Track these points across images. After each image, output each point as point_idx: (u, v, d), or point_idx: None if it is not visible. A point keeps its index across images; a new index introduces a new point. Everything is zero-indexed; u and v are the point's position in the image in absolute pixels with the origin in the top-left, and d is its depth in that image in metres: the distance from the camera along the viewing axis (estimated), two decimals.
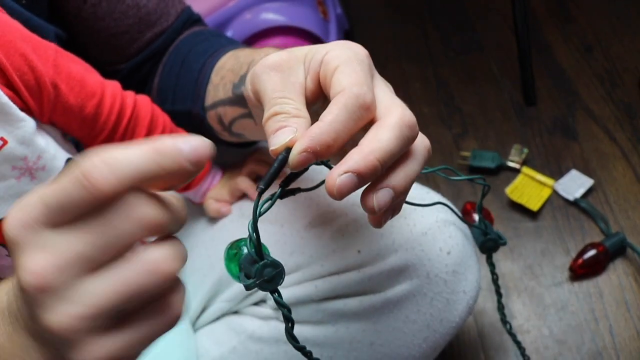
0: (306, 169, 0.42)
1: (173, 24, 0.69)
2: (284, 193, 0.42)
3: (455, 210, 0.60)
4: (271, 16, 1.17)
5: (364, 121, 0.41)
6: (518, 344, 0.72)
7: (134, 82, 0.70)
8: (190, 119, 0.66)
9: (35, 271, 0.30)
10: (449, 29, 1.42)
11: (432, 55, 1.38)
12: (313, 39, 1.21)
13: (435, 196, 0.67)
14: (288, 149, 0.41)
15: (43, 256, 0.31)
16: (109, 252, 0.31)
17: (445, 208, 0.65)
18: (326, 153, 0.40)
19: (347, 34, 1.37)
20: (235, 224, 0.69)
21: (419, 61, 1.36)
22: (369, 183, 0.42)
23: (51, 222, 0.31)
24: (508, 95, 1.27)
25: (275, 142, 0.41)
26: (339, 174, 0.39)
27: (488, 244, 0.60)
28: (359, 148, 0.40)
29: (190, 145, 0.32)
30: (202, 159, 0.32)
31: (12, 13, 0.52)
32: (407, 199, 0.47)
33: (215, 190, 0.69)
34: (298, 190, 0.44)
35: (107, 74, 0.68)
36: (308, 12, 1.21)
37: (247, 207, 0.69)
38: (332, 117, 0.40)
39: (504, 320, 0.67)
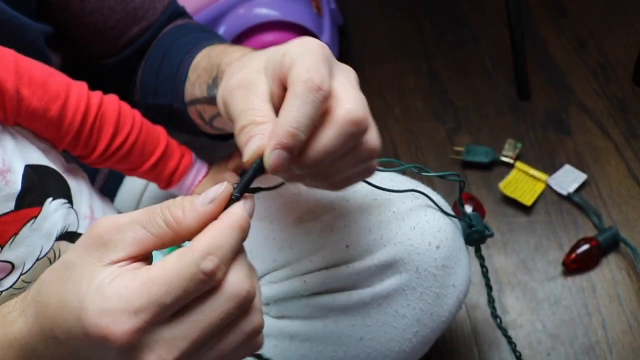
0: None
1: (159, 18, 0.69)
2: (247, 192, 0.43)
3: (433, 199, 0.62)
4: (264, 11, 1.17)
5: (319, 102, 0.42)
6: (508, 338, 0.72)
7: (120, 76, 0.70)
8: (172, 112, 0.67)
9: None
10: (443, 24, 1.42)
11: (426, 50, 1.37)
12: (307, 34, 1.20)
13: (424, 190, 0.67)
14: (261, 157, 0.42)
15: (166, 350, 0.36)
16: (216, 333, 0.37)
17: (435, 199, 0.65)
18: (295, 142, 0.41)
19: (341, 29, 1.37)
20: None
21: (413, 56, 1.36)
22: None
23: (167, 319, 0.35)
24: (502, 90, 1.27)
25: (247, 153, 0.43)
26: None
27: (473, 235, 0.60)
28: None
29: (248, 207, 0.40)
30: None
31: None
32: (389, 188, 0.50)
33: (202, 186, 0.69)
34: (259, 189, 0.44)
35: (94, 68, 0.67)
36: (302, 7, 1.21)
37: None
38: (287, 107, 0.42)
39: (495, 315, 0.67)
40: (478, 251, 0.62)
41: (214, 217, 0.39)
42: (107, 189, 0.77)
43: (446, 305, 0.64)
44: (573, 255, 0.99)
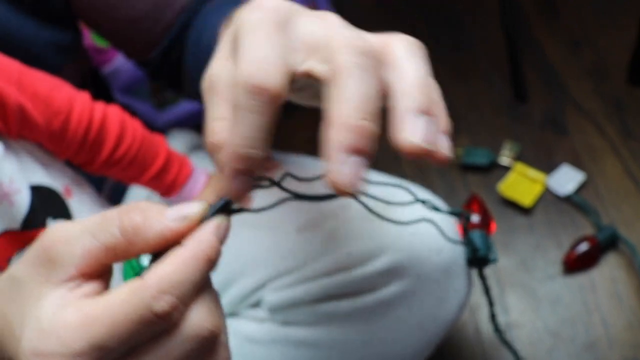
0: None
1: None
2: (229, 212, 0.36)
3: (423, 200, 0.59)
4: None
5: (268, 104, 0.34)
6: (510, 347, 0.72)
7: (167, 69, 0.66)
8: None
9: None
10: (439, 28, 1.43)
11: None
12: None
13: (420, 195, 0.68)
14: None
15: None
16: None
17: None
18: (250, 162, 0.34)
19: None
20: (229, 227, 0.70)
21: None
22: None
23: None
24: (498, 92, 1.28)
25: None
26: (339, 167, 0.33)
27: (476, 260, 0.57)
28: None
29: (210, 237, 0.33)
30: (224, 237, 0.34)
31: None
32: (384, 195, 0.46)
33: (203, 193, 0.70)
34: (240, 210, 0.37)
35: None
36: None
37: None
38: (233, 126, 0.34)
39: (498, 329, 0.67)
40: (480, 272, 0.60)
41: (180, 238, 0.33)
42: (115, 196, 0.78)
43: (448, 309, 0.65)
44: (573, 254, 1.01)
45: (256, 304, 0.68)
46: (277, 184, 0.39)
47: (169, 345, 0.32)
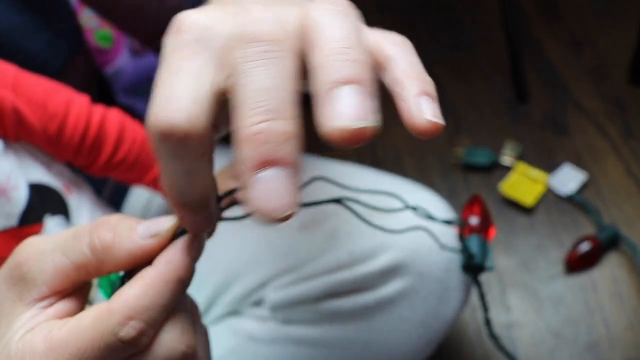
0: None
1: None
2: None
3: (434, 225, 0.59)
4: None
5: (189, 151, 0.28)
6: (507, 353, 0.72)
7: None
8: None
9: None
10: (440, 28, 1.44)
11: (423, 54, 1.38)
12: None
13: (417, 196, 0.68)
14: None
15: None
16: None
17: (437, 206, 0.67)
18: (181, 202, 0.30)
19: None
20: (231, 226, 0.70)
21: None
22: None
23: None
24: (499, 92, 1.28)
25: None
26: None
27: (471, 266, 0.56)
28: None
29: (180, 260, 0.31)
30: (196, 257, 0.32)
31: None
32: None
33: None
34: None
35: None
36: None
37: (240, 211, 0.70)
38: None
39: (493, 336, 0.67)
40: (476, 279, 0.59)
41: (151, 256, 0.31)
42: (117, 198, 0.78)
43: (450, 307, 0.65)
44: (574, 254, 1.01)
45: (258, 303, 0.68)
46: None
47: None
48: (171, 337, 0.31)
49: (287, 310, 0.65)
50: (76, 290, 0.33)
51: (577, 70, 1.29)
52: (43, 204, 0.53)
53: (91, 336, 0.29)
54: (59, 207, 0.56)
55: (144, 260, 0.32)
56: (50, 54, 0.62)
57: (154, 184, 0.65)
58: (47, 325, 0.30)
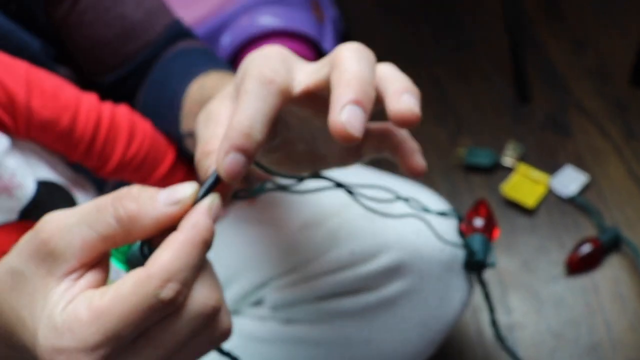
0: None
1: (159, 38, 0.66)
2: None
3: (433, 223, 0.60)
4: (266, 21, 1.18)
5: (273, 97, 0.38)
6: (512, 353, 0.72)
7: (119, 95, 0.68)
8: (170, 138, 0.65)
9: None
10: (442, 29, 1.43)
11: (425, 54, 1.38)
12: (308, 41, 1.22)
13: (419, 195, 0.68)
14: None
15: None
16: (182, 347, 0.35)
17: (436, 204, 0.67)
18: (249, 142, 0.37)
19: (344, 36, 1.38)
20: (232, 225, 0.70)
21: (412, 61, 1.37)
22: None
23: (128, 345, 0.33)
24: (501, 92, 1.28)
25: (202, 174, 0.40)
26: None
27: (472, 264, 0.56)
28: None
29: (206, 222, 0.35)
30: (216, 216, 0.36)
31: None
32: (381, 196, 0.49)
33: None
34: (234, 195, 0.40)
35: (91, 85, 0.66)
36: (303, 15, 1.22)
37: (242, 211, 0.70)
38: (238, 107, 0.38)
39: (500, 337, 0.67)
40: (479, 277, 0.60)
41: (175, 222, 0.35)
42: None
43: (451, 307, 0.65)
44: (575, 255, 1.00)
45: (258, 302, 0.68)
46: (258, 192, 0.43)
47: (176, 326, 0.34)
48: (202, 294, 0.34)
49: (287, 310, 0.65)
50: (101, 261, 0.35)
51: (579, 71, 1.29)
52: (51, 200, 0.53)
53: (134, 301, 0.32)
54: (67, 204, 0.56)
55: (168, 226, 0.35)
56: (43, 58, 0.62)
57: (162, 182, 0.65)
58: (87, 296, 0.33)
